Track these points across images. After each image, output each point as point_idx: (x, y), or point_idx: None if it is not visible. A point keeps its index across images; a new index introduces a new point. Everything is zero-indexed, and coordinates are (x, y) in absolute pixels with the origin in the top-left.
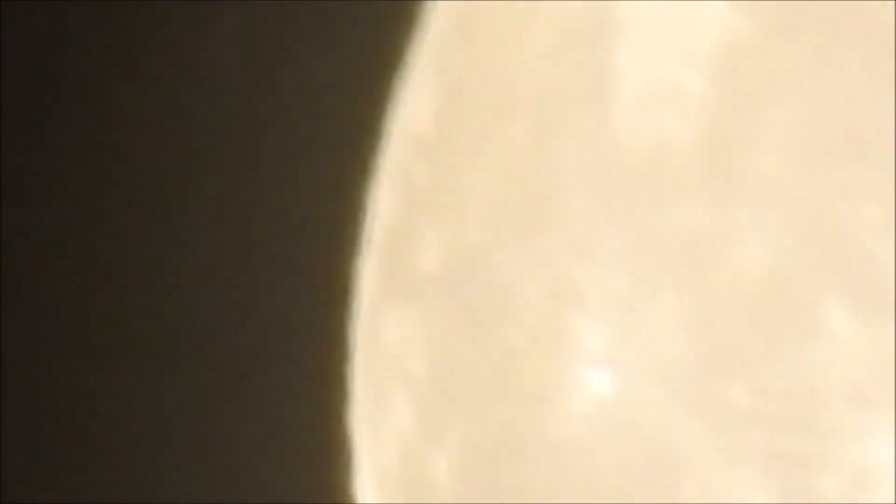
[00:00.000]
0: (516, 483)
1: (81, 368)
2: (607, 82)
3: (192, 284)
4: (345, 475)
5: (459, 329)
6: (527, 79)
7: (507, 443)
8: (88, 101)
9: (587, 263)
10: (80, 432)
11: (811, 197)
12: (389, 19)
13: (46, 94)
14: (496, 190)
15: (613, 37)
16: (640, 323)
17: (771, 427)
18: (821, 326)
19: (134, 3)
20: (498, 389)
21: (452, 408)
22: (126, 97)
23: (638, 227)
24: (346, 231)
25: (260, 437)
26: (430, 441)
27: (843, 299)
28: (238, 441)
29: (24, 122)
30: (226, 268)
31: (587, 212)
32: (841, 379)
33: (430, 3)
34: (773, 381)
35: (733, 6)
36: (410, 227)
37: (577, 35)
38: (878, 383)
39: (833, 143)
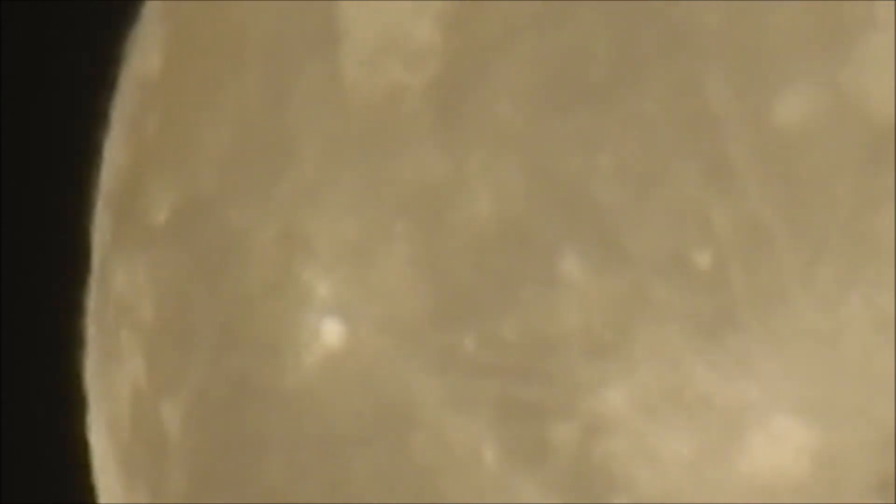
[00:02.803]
0: (249, 432)
1: None
2: (338, 29)
3: None
4: (79, 425)
5: (190, 278)
6: (257, 25)
7: (239, 392)
8: None
9: (318, 211)
10: None
11: (543, 144)
12: None
13: None
14: (227, 137)
15: None
16: (371, 271)
17: (503, 376)
18: (554, 275)
19: None
20: (230, 338)
21: (184, 357)
22: None
23: (369, 175)
24: (79, 180)
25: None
26: (162, 391)
27: (576, 247)
28: None
29: None
30: None
31: (318, 160)
32: (574, 327)
33: None
34: (505, 330)
35: None
36: (140, 175)
37: None
38: (611, 331)
39: (565, 91)
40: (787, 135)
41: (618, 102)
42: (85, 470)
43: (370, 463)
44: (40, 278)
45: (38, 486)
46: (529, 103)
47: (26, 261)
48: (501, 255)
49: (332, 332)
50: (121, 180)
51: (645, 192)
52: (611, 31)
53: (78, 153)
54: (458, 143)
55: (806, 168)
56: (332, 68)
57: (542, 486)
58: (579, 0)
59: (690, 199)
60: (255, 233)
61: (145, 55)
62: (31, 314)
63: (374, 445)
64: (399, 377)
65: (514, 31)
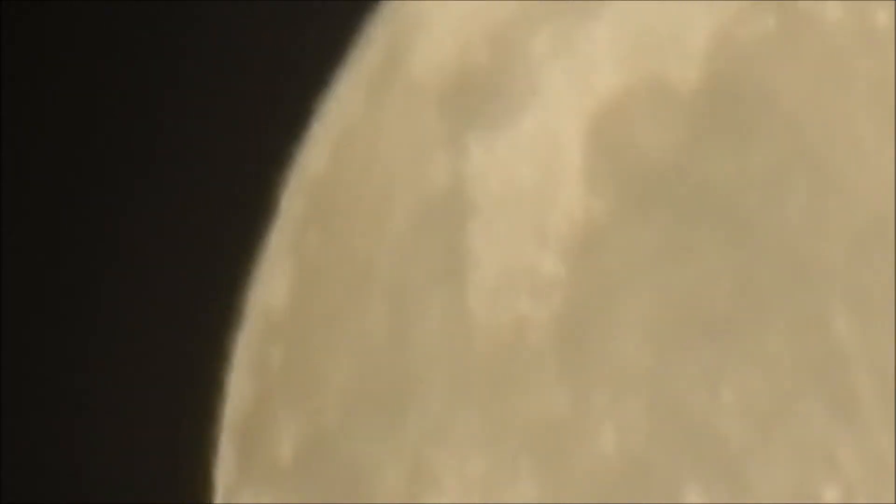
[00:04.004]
0: None
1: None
2: (463, 264)
3: None
4: None
5: None
6: (383, 261)
7: None
8: None
9: (445, 447)
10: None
11: (667, 380)
12: (245, 201)
13: None
14: (353, 372)
15: (469, 219)
16: None
17: None
18: None
19: None
20: None
21: None
22: None
23: (495, 409)
24: (203, 414)
25: None
26: None
27: (700, 483)
28: None
29: None
30: (88, 452)
31: (444, 394)
32: None
33: (285, 184)
34: None
35: (589, 188)
36: (266, 410)
37: (433, 217)
38: None
39: (688, 326)
40: None
41: (742, 338)
42: None
43: None
44: None
45: None
46: (653, 338)
47: (150, 494)
48: (625, 491)
49: None
50: (245, 413)
51: (770, 428)
52: (734, 267)
53: (201, 385)
54: (582, 378)
55: None
56: (457, 301)
57: None
58: (702, 235)
59: (816, 435)
60: (381, 469)
61: (271, 287)
62: None
63: None
64: None
65: (637, 266)
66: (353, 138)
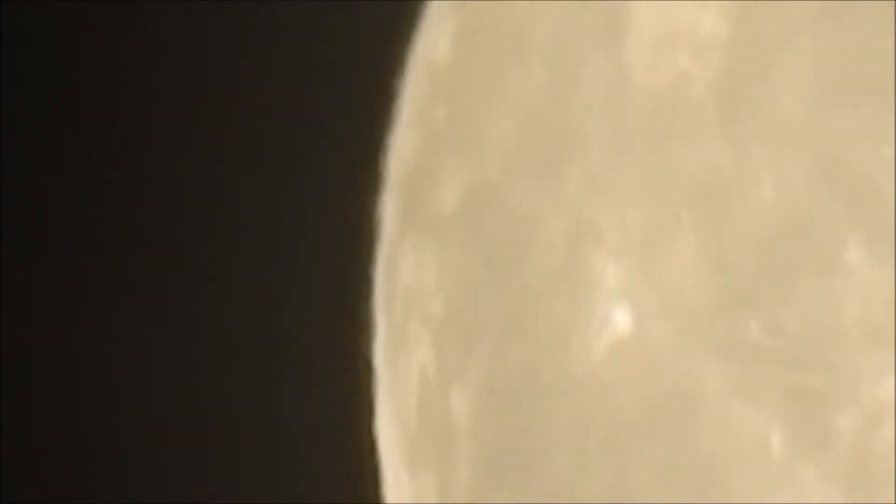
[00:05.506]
0: (535, 421)
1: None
2: (623, 21)
3: (216, 219)
4: (366, 414)
5: (478, 267)
6: (542, 19)
7: (526, 381)
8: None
9: (605, 201)
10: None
11: (827, 136)
12: None
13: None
14: (514, 128)
15: None
16: (657, 260)
17: (786, 364)
18: (837, 264)
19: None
20: (516, 328)
21: (472, 346)
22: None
23: (655, 165)
24: (367, 167)
25: (282, 376)
26: (450, 379)
27: (858, 237)
28: (259, 379)
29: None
30: (248, 206)
31: (605, 150)
32: (856, 316)
33: None
34: (788, 319)
35: None
36: (429, 163)
37: None
38: (892, 321)
39: (849, 83)
40: None
41: None
42: (371, 457)
43: (656, 449)
44: (327, 264)
45: (324, 474)
46: (813, 95)
47: (312, 246)
48: (785, 246)
49: (619, 320)
50: (409, 165)
51: None
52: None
53: (366, 136)
54: (742, 133)
55: None
56: (616, 59)
57: (825, 475)
58: None
59: None
60: (542, 221)
61: (434, 41)
62: (317, 301)
63: (659, 432)
64: (684, 364)
65: (798, 24)
66: None
